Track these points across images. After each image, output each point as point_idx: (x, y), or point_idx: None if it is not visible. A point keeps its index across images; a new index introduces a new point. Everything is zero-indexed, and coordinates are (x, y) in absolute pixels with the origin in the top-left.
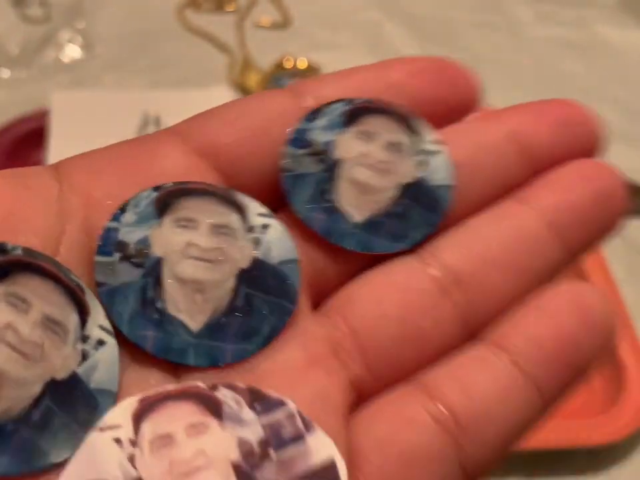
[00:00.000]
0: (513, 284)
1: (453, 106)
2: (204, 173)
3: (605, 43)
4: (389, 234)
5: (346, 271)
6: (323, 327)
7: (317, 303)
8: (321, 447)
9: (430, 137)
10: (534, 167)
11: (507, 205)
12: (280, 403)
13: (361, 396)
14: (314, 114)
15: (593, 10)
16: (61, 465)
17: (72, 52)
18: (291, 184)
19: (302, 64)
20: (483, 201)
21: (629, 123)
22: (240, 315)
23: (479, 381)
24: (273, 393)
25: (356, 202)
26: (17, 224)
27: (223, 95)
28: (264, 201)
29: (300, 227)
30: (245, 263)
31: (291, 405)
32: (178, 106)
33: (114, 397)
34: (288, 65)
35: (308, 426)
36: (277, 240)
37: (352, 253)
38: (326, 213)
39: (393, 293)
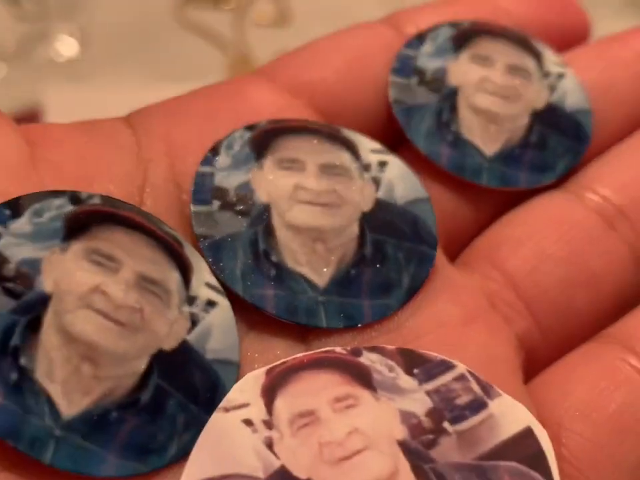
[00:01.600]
0: None
1: (563, 32)
2: (300, 110)
3: None
4: (529, 166)
5: (480, 215)
6: (471, 277)
7: (451, 253)
8: (511, 414)
9: (553, 58)
10: None
11: None
12: (445, 365)
13: (531, 356)
14: (418, 40)
15: (596, 7)
16: (180, 459)
17: (67, 49)
18: (405, 117)
19: None
20: (623, 127)
21: None
22: (372, 266)
23: None
24: (433, 354)
25: (484, 133)
26: (91, 170)
27: None
28: (374, 139)
29: (423, 165)
30: (367, 206)
31: (461, 366)
32: None
33: (236, 369)
34: None
35: (487, 390)
36: (399, 177)
37: (487, 191)
38: (452, 147)
39: (552, 229)
